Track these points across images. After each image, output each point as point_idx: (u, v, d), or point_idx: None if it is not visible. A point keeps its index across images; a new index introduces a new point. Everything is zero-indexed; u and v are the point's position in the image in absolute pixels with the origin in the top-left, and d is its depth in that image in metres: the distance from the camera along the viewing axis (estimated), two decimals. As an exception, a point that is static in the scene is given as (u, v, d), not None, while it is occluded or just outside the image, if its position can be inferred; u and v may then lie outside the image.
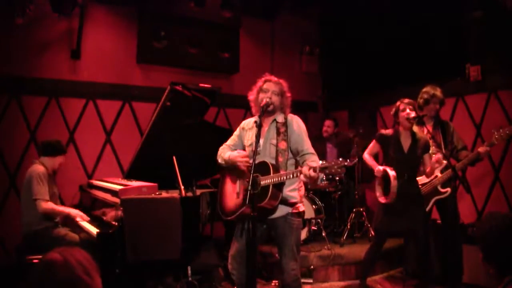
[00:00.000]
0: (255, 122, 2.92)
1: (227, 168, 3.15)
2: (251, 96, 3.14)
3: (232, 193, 3.07)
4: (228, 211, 3.08)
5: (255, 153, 2.71)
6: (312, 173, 2.55)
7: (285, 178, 2.76)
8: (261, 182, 2.80)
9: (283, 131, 3.00)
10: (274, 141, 2.98)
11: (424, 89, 4.12)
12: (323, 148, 5.69)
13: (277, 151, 2.95)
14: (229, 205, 3.07)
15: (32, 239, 3.75)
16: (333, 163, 2.55)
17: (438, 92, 4.07)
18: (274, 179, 2.76)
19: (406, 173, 3.70)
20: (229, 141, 3.26)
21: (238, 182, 3.05)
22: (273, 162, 2.91)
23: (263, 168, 2.84)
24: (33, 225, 3.77)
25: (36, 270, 1.40)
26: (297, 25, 6.73)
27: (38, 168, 3.87)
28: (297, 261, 3.01)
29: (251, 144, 2.97)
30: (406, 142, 3.77)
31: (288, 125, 3.02)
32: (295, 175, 2.71)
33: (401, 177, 3.72)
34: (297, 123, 3.04)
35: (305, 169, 2.59)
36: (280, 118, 3.05)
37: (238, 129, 3.25)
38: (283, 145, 2.95)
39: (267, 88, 3.04)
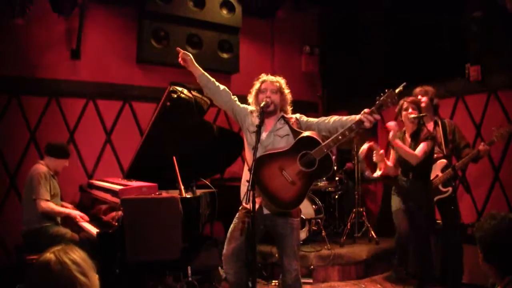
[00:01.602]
0: (257, 126, 2.83)
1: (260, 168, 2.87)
2: (250, 99, 3.13)
3: (286, 185, 2.85)
4: (290, 202, 2.88)
5: (255, 153, 2.70)
6: (375, 116, 2.71)
7: (347, 133, 2.76)
8: (318, 156, 2.79)
9: (294, 120, 3.02)
10: (282, 132, 2.98)
11: None
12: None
13: (296, 133, 2.95)
14: (289, 196, 2.86)
15: (32, 238, 3.76)
16: (385, 96, 2.72)
17: (416, 89, 4.08)
18: (335, 140, 2.77)
19: (410, 172, 3.71)
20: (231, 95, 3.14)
21: (284, 172, 2.86)
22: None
23: (306, 144, 2.83)
24: (33, 224, 3.79)
25: (32, 271, 1.39)
26: (297, 25, 6.72)
27: (40, 168, 3.91)
28: (298, 261, 3.02)
29: (254, 131, 2.88)
30: (407, 141, 3.77)
31: (297, 117, 3.05)
32: (354, 127, 2.75)
33: (405, 176, 3.74)
34: (301, 116, 3.10)
35: (364, 116, 2.71)
36: (287, 115, 3.07)
37: (243, 106, 3.14)
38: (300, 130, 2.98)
39: (265, 88, 3.03)
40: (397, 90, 2.74)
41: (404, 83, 2.80)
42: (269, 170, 2.87)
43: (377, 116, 2.73)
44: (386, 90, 2.73)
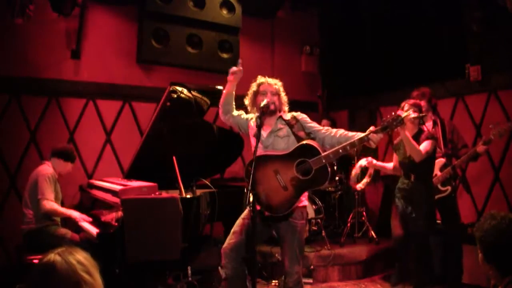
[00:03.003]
0: (257, 126, 2.85)
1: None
2: (247, 102, 3.15)
3: (277, 188, 2.88)
4: (278, 207, 2.89)
5: (254, 153, 2.70)
6: (380, 136, 2.74)
7: (348, 148, 2.79)
8: (315, 166, 2.79)
9: (294, 122, 3.02)
10: (282, 133, 2.99)
11: None
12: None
13: (298, 138, 2.96)
14: (278, 200, 2.88)
15: (33, 237, 3.77)
16: (391, 118, 2.75)
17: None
18: (335, 153, 2.79)
19: (412, 174, 3.70)
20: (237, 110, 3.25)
21: (278, 176, 2.88)
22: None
23: (306, 152, 2.83)
24: (34, 224, 3.80)
25: (36, 272, 1.39)
26: (297, 25, 6.72)
27: (46, 169, 3.95)
28: (300, 264, 3.00)
29: (255, 134, 2.90)
30: None
31: (298, 118, 3.05)
32: (357, 143, 2.78)
33: (407, 178, 3.74)
34: (303, 116, 3.09)
35: (372, 135, 2.74)
36: (285, 116, 3.06)
37: (245, 116, 3.21)
38: (302, 134, 2.98)
39: (265, 90, 3.06)
40: (403, 115, 2.80)
41: (410, 111, 3.05)
42: (263, 171, 2.88)
43: (382, 136, 2.78)
44: (393, 113, 2.79)
